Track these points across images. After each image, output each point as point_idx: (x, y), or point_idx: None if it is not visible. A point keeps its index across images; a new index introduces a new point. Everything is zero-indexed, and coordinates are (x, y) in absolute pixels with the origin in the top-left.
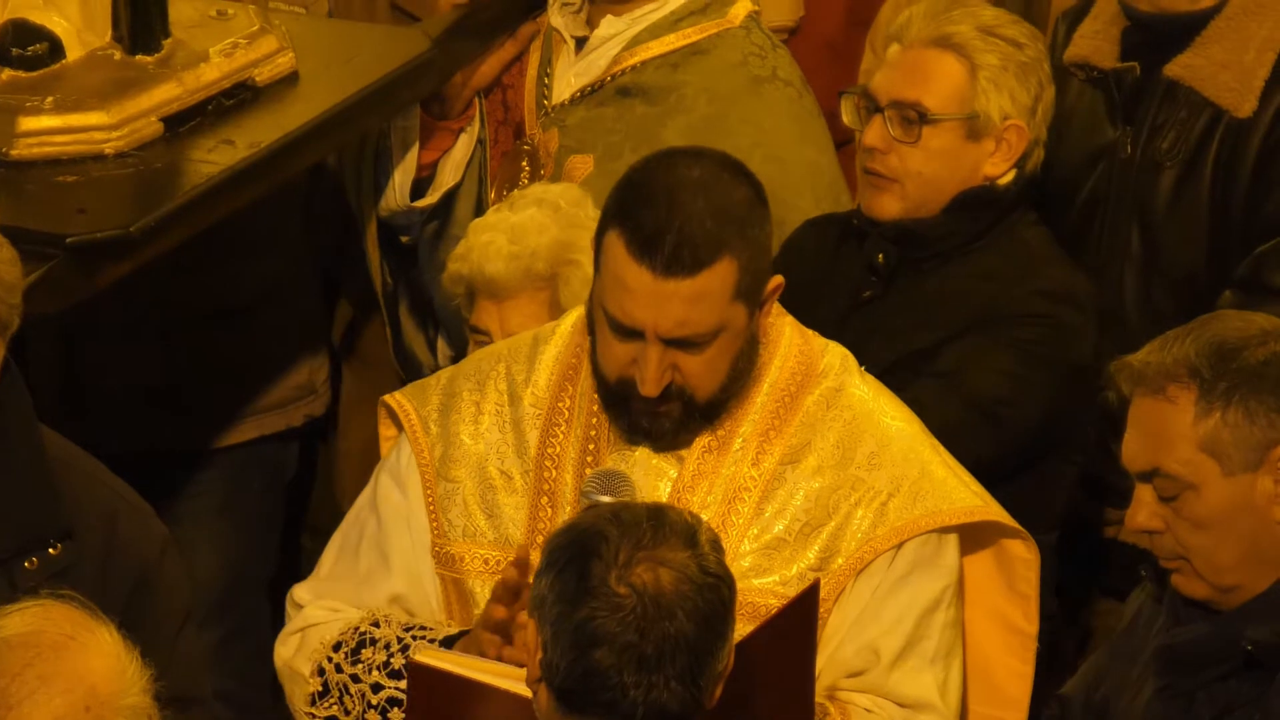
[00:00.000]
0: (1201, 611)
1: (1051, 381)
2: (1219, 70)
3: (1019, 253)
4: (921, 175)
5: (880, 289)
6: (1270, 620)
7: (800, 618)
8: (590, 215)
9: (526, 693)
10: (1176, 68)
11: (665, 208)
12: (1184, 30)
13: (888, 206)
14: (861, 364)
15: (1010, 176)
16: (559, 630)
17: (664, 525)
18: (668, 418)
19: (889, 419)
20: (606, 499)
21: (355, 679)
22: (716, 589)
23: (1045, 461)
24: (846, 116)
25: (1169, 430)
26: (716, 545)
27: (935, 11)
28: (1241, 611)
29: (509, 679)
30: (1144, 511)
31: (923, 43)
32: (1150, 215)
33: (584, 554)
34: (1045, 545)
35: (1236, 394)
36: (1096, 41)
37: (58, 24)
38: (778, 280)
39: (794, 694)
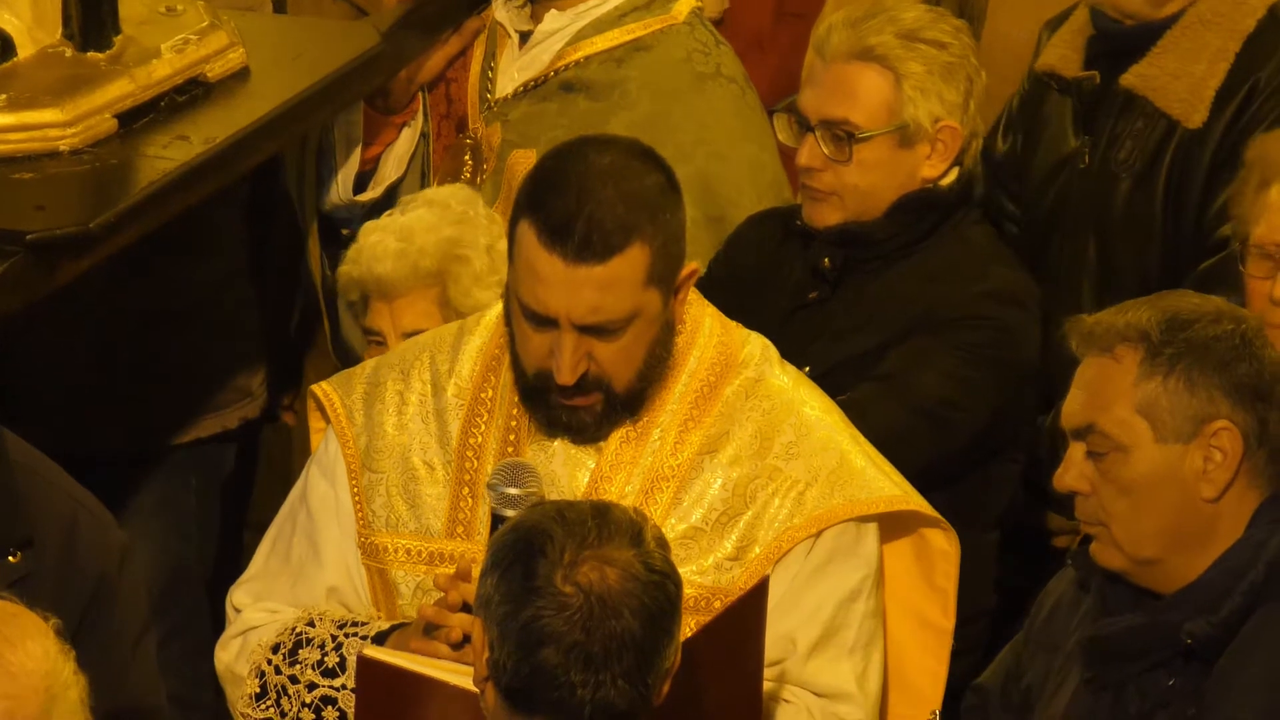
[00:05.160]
0: (1131, 601)
1: (997, 383)
2: (1171, 80)
3: (963, 253)
4: (859, 188)
5: (827, 292)
6: (1205, 611)
7: (748, 613)
8: (481, 214)
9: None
10: (1131, 77)
11: (575, 195)
12: (1144, 39)
13: (828, 216)
14: (804, 366)
15: (953, 175)
16: (505, 630)
17: (609, 523)
18: (589, 412)
19: (808, 409)
20: (513, 491)
21: (294, 679)
22: (663, 586)
23: (988, 462)
24: (782, 134)
25: (1109, 388)
26: (662, 542)
27: (855, 19)
28: (1174, 601)
29: (458, 674)
30: (1073, 472)
31: (844, 56)
32: (1106, 226)
33: (529, 553)
34: (986, 544)
35: (1181, 362)
36: (1063, 50)
37: (8, 22)
38: (693, 266)
39: (742, 689)
